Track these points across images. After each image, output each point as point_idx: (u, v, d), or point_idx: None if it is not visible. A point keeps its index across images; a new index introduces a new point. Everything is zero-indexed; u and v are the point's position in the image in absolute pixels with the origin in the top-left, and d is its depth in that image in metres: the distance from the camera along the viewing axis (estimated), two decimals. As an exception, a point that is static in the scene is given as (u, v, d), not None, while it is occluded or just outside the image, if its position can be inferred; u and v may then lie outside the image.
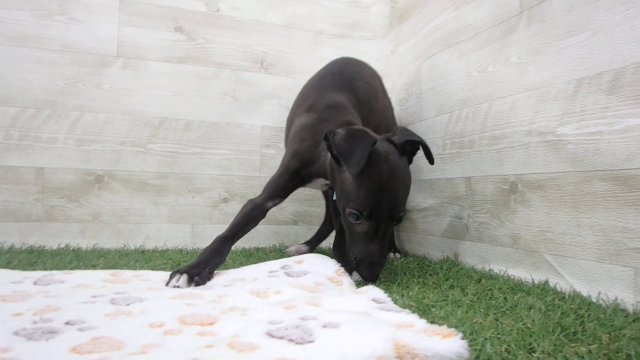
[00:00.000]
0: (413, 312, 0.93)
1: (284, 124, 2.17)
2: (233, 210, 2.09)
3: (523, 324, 0.89)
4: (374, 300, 0.97)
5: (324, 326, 0.74)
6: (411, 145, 1.33)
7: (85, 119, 1.91)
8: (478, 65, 1.60)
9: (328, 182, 1.50)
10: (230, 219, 2.07)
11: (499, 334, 0.83)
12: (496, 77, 1.51)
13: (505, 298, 1.10)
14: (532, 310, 0.99)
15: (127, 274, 1.19)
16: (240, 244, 2.04)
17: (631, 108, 1.07)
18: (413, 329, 0.74)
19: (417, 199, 1.93)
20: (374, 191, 1.22)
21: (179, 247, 1.96)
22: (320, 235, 2.01)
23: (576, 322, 0.91)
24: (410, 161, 1.36)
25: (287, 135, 1.75)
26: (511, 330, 0.85)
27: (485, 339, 0.79)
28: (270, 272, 1.29)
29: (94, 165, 1.91)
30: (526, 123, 1.37)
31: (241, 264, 1.59)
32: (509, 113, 1.44)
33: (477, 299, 1.11)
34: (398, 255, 1.85)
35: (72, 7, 1.93)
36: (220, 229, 2.06)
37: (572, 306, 1.04)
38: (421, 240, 1.89)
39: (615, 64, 1.11)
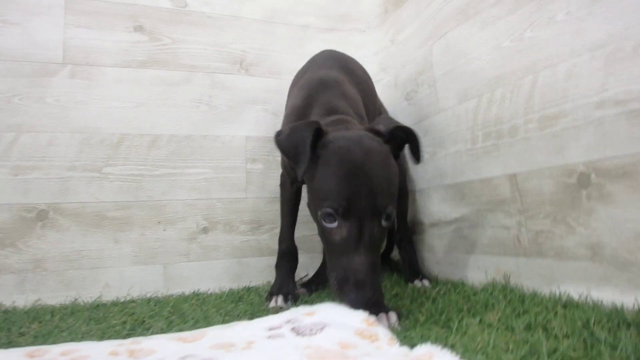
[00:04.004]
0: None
1: (271, 133, 1.81)
2: (215, 242, 1.71)
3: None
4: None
5: None
6: (398, 135, 1.11)
7: (23, 141, 1.53)
8: (510, 33, 1.27)
9: None
10: (212, 253, 1.72)
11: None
12: (538, 42, 1.18)
13: (615, 336, 0.74)
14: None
15: (53, 351, 0.80)
16: (226, 283, 1.67)
17: None
18: None
19: (442, 209, 1.56)
20: (346, 179, 0.98)
21: (148, 295, 1.56)
22: (321, 276, 1.63)
23: None
24: (396, 156, 1.12)
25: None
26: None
27: None
28: (270, 329, 0.91)
29: (36, 198, 1.52)
30: (594, 92, 1.02)
31: (227, 314, 1.21)
32: (565, 84, 1.09)
33: (580, 344, 0.73)
34: (427, 282, 1.48)
35: (6, 7, 1.59)
36: (200, 266, 1.72)
37: None
38: (454, 260, 1.51)
39: None
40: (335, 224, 0.98)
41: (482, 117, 1.37)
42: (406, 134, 1.11)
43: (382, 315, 0.98)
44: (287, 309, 1.03)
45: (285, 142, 1.07)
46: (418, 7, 1.75)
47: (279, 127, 1.85)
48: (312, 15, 2.04)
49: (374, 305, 0.94)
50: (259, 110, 1.86)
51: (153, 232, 1.64)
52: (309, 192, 1.10)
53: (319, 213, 1.00)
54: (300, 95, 1.40)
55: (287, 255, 1.49)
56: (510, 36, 1.27)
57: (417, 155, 1.11)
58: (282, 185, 1.53)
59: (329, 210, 0.97)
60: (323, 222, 1.00)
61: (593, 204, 1.02)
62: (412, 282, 1.50)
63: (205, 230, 1.71)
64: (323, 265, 1.65)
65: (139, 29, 1.74)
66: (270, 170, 1.83)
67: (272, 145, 1.80)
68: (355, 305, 0.89)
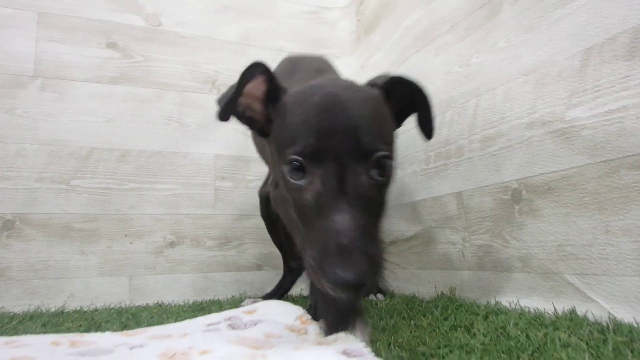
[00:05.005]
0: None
1: (241, 152, 1.90)
2: (181, 256, 1.75)
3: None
4: (346, 353, 0.65)
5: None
6: (399, 92, 0.82)
7: (-9, 152, 1.57)
8: (459, 59, 1.36)
9: None
10: (178, 267, 1.76)
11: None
12: (482, 68, 1.26)
13: (527, 336, 0.79)
14: (570, 349, 0.69)
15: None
16: (191, 296, 1.71)
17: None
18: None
19: (400, 227, 1.61)
20: (315, 112, 0.71)
21: (112, 305, 1.58)
22: (282, 287, 1.67)
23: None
24: (400, 121, 0.87)
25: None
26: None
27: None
28: (209, 325, 0.96)
29: (2, 208, 1.55)
30: (525, 114, 1.10)
31: (182, 320, 1.24)
32: (502, 106, 1.17)
33: (491, 340, 0.79)
34: (381, 296, 1.52)
35: (-22, 20, 1.65)
36: (166, 279, 1.75)
37: (621, 339, 0.73)
38: (409, 276, 1.56)
39: (632, 21, 0.88)
40: (304, 179, 0.69)
41: (435, 139, 1.41)
42: (411, 92, 0.84)
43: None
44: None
45: (223, 93, 0.85)
46: (386, 34, 1.84)
47: (249, 146, 1.92)
48: (286, 39, 2.12)
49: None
50: (229, 130, 1.91)
51: (120, 245, 1.68)
52: (274, 152, 0.81)
53: (283, 169, 0.72)
54: (281, 66, 1.30)
55: None
56: (460, 62, 1.35)
57: (426, 125, 0.88)
58: (276, 196, 1.15)
59: (293, 157, 0.69)
60: (288, 179, 0.71)
61: (524, 218, 1.08)
62: (367, 295, 1.54)
63: (172, 244, 1.75)
64: (285, 276, 1.68)
65: (111, 45, 1.80)
66: (238, 188, 1.88)
67: (241, 164, 1.89)
68: (343, 287, 0.59)
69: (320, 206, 0.66)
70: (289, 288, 1.67)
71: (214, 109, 1.86)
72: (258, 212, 1.59)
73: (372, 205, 0.69)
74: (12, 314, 1.39)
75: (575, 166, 0.97)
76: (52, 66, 1.70)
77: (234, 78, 1.94)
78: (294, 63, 1.21)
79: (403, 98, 0.83)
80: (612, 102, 0.90)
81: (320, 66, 1.14)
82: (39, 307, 1.50)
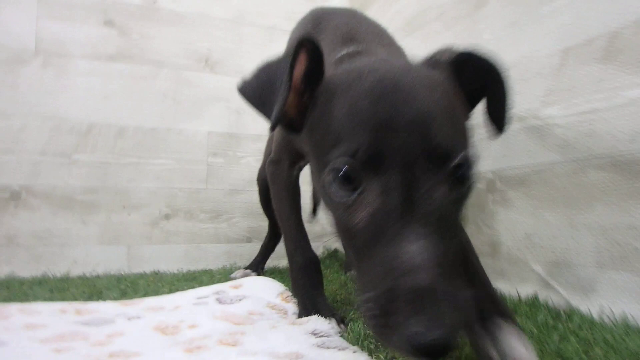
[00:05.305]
0: (367, 348, 0.71)
1: (233, 129, 1.96)
2: (176, 228, 1.84)
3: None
4: (314, 333, 0.75)
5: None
6: (469, 71, 0.65)
7: (-3, 126, 1.64)
8: (445, 49, 1.41)
9: None
10: (173, 238, 1.86)
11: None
12: (466, 60, 1.32)
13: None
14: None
15: (11, 308, 0.93)
16: (184, 265, 1.80)
17: (633, 76, 0.87)
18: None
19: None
20: (369, 103, 0.54)
21: (112, 272, 1.68)
22: (265, 252, 1.71)
23: (579, 349, 0.71)
24: (470, 108, 0.69)
25: None
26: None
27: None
28: (199, 298, 1.06)
29: (9, 180, 1.62)
30: (503, 109, 1.17)
31: (176, 289, 1.33)
32: (483, 99, 1.24)
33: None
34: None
35: (-20, -3, 1.67)
36: (162, 249, 1.86)
37: (570, 326, 0.83)
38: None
39: (610, 26, 0.93)
40: (354, 192, 0.52)
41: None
42: (484, 71, 0.66)
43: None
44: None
45: (255, 81, 0.67)
46: (376, 16, 1.87)
47: (241, 124, 1.99)
48: (279, 17, 2.15)
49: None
50: (222, 108, 1.97)
51: (118, 216, 1.76)
52: (310, 154, 0.65)
53: (324, 178, 0.55)
54: (302, 24, 1.08)
55: (309, 268, 0.98)
56: (445, 53, 1.41)
57: (499, 114, 0.67)
58: (274, 174, 1.06)
59: (340, 162, 0.53)
60: (331, 192, 0.54)
61: (496, 208, 1.17)
62: (350, 270, 1.58)
63: (167, 216, 1.84)
64: (269, 239, 1.70)
65: (109, 23, 1.82)
66: (230, 164, 1.95)
67: (233, 141, 1.96)
68: (426, 351, 0.41)
69: (379, 230, 0.49)
70: (272, 252, 1.71)
71: (208, 86, 1.94)
72: (248, 187, 1.66)
73: (449, 226, 0.52)
74: (22, 279, 1.50)
75: (546, 162, 1.05)
76: (52, 43, 1.73)
77: (227, 56, 1.98)
78: (317, 22, 0.98)
79: (473, 79, 0.65)
80: (585, 103, 0.97)
81: (351, 29, 0.90)
82: (45, 273, 1.60)
